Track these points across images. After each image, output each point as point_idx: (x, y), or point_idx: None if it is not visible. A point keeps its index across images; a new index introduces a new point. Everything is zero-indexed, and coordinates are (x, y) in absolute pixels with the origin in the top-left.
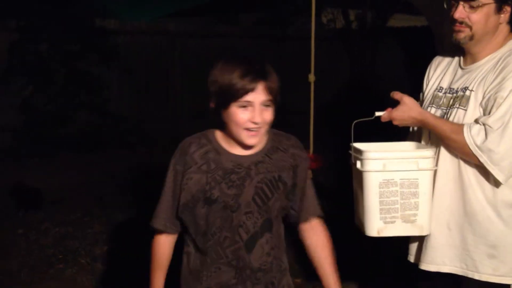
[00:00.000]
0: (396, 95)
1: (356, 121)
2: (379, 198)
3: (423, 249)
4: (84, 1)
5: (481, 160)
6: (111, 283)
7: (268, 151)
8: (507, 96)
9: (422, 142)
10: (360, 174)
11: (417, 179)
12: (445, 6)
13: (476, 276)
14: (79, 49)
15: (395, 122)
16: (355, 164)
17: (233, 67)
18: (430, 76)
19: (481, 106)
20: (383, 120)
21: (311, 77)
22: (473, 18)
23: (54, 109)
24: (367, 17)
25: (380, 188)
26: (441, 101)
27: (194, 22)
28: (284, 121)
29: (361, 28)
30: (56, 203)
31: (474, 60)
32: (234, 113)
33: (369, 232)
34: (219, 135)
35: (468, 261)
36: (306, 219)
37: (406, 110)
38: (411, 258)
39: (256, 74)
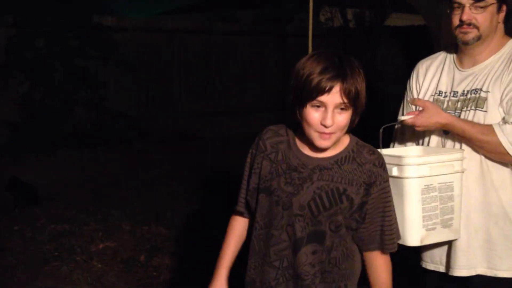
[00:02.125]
0: (419, 102)
1: (383, 126)
2: (422, 205)
3: (452, 254)
4: None
5: None
6: (107, 280)
7: (340, 160)
8: None
9: (424, 145)
10: (398, 181)
11: (452, 182)
12: (448, 10)
13: (506, 274)
14: (77, 45)
15: (418, 128)
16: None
17: (315, 63)
18: (421, 81)
19: (501, 106)
20: (406, 124)
21: None
22: (480, 19)
23: (52, 105)
24: (364, 16)
25: (422, 194)
26: (445, 105)
27: (193, 19)
28: (284, 117)
29: (359, 27)
30: (52, 200)
31: (475, 62)
32: (307, 112)
33: (410, 242)
34: (298, 132)
35: (495, 260)
36: (370, 249)
37: (431, 115)
38: (430, 265)
39: (335, 74)
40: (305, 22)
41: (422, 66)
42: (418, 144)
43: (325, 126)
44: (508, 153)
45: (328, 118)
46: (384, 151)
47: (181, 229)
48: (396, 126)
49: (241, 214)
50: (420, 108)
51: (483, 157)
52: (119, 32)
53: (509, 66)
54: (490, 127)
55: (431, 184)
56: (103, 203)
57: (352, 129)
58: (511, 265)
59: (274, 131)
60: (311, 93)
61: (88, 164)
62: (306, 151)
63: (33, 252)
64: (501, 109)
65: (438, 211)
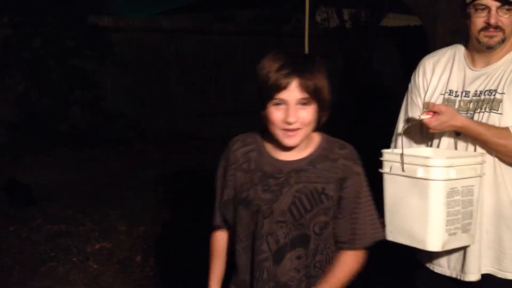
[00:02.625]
0: (434, 107)
1: (405, 126)
2: (447, 208)
3: (466, 258)
4: None
5: None
6: (103, 281)
7: (314, 159)
8: None
9: (434, 147)
10: (423, 183)
11: (473, 186)
12: (468, 11)
13: (510, 276)
14: (74, 45)
15: (432, 130)
16: (403, 170)
17: (271, 62)
18: (428, 78)
19: None
20: (423, 122)
21: None
22: (506, 21)
23: (49, 105)
24: (361, 16)
25: (447, 198)
26: (456, 105)
27: (190, 19)
28: None
29: (355, 27)
30: (49, 200)
31: (488, 62)
32: (270, 112)
33: (431, 247)
34: (265, 137)
35: (505, 262)
36: (339, 245)
37: (447, 119)
38: (437, 269)
39: (291, 69)
40: (301, 22)
41: (429, 62)
42: (426, 145)
43: (289, 123)
44: None
45: (291, 115)
46: (407, 151)
47: (178, 230)
48: (402, 126)
49: (219, 227)
50: (438, 102)
51: (496, 160)
52: (116, 32)
53: None
54: (506, 130)
55: (455, 188)
56: (99, 204)
57: (349, 129)
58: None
59: (241, 141)
60: (270, 91)
61: (86, 164)
62: (279, 156)
63: (30, 252)
64: None
65: (460, 216)
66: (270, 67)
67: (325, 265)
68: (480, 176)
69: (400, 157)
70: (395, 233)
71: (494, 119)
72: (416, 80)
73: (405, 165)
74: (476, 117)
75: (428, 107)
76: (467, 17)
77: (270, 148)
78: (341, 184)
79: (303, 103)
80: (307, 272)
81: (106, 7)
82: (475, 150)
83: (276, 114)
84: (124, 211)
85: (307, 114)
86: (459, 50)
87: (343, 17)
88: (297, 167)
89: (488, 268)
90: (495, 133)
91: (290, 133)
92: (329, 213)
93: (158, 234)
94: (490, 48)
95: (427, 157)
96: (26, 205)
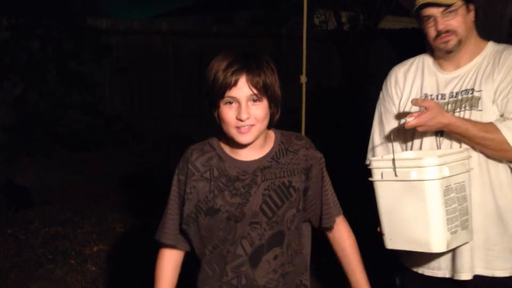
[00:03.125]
0: (424, 102)
1: (393, 128)
2: (445, 207)
3: (458, 257)
4: (77, 1)
5: None
6: (101, 283)
7: (275, 155)
8: None
9: (415, 149)
10: (418, 185)
11: (464, 181)
12: (419, 24)
13: (501, 274)
14: (71, 48)
15: (421, 129)
16: (396, 175)
17: (218, 62)
18: (401, 85)
19: (496, 105)
20: (407, 127)
21: (303, 78)
22: (455, 23)
23: (47, 107)
24: (358, 19)
25: (444, 196)
26: None
27: (188, 21)
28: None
29: (353, 30)
30: (46, 203)
31: (458, 64)
32: (222, 111)
33: (437, 248)
34: (222, 141)
35: (493, 260)
36: (329, 226)
37: (434, 116)
38: (427, 272)
39: (239, 67)
40: (299, 24)
41: (399, 71)
42: (406, 149)
43: (241, 120)
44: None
45: (243, 112)
46: (397, 156)
47: None
48: (377, 132)
49: (173, 247)
50: (413, 109)
51: (481, 157)
52: (114, 34)
53: (498, 65)
54: (492, 125)
55: (449, 185)
56: (97, 206)
57: (345, 132)
58: (507, 264)
59: (199, 150)
60: (220, 90)
61: (83, 167)
62: (240, 157)
63: (27, 255)
64: (495, 107)
65: (458, 213)
66: (218, 66)
67: (294, 259)
68: (469, 172)
69: (392, 162)
70: (395, 240)
71: (475, 115)
72: (389, 89)
73: (397, 170)
74: (458, 115)
75: (417, 104)
76: (422, 30)
77: (229, 151)
78: (307, 173)
79: (254, 99)
80: (283, 271)
81: (104, 9)
82: (460, 147)
83: (228, 113)
84: (122, 214)
85: (259, 110)
86: (426, 58)
87: (341, 19)
88: (261, 165)
89: (479, 269)
90: (482, 128)
91: (244, 130)
92: (297, 205)
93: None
94: (450, 52)
95: (420, 158)
96: (23, 207)
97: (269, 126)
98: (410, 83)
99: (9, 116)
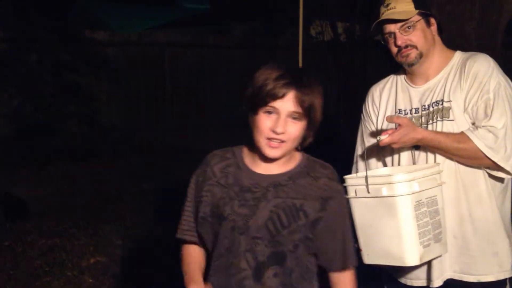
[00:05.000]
0: (397, 119)
1: (368, 146)
2: (417, 221)
3: (433, 265)
4: (75, 13)
5: (495, 159)
6: None
7: (294, 175)
8: (494, 97)
9: (394, 165)
10: (389, 201)
11: (436, 195)
12: (382, 42)
13: (484, 279)
14: (69, 59)
15: (396, 146)
16: (368, 191)
17: (271, 70)
18: (377, 104)
19: (467, 113)
20: (382, 144)
21: None
22: (414, 38)
23: (44, 119)
24: (355, 29)
25: (415, 211)
26: None
27: (184, 33)
28: None
29: (349, 41)
30: (43, 214)
31: (427, 78)
32: (259, 118)
33: (411, 262)
34: (245, 151)
35: (474, 265)
36: (333, 268)
37: (407, 132)
38: (409, 282)
39: (290, 80)
40: (295, 36)
41: (375, 90)
42: (385, 164)
43: (276, 133)
44: (486, 157)
45: (280, 125)
46: (371, 173)
47: (173, 244)
48: (359, 150)
49: (192, 242)
50: (390, 126)
51: (457, 166)
52: (111, 46)
53: (464, 75)
54: (464, 135)
55: (420, 200)
56: (94, 217)
57: (339, 143)
58: (484, 270)
59: (220, 156)
60: (265, 98)
61: (80, 178)
62: (257, 169)
63: (24, 267)
64: (466, 116)
65: (430, 227)
66: (269, 74)
67: (298, 284)
68: (441, 185)
69: (365, 180)
70: (372, 256)
71: (447, 126)
72: (367, 108)
73: (369, 186)
74: (430, 128)
75: (391, 120)
76: (386, 47)
77: (249, 161)
78: (323, 204)
79: (294, 117)
80: None
81: (102, 22)
82: (435, 160)
83: (265, 121)
84: (119, 225)
85: (296, 129)
86: (399, 74)
87: (337, 30)
88: (276, 182)
89: (458, 274)
90: (454, 139)
91: (274, 144)
92: (304, 231)
93: (153, 248)
94: (411, 66)
95: (389, 175)
96: (20, 219)
97: (297, 148)
98: (385, 101)
99: (7, 127)
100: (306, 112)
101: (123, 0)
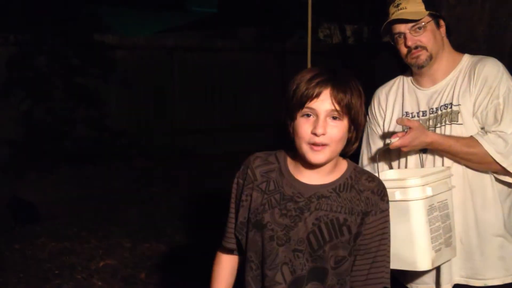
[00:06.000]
0: (408, 122)
1: (379, 149)
2: (429, 226)
3: (442, 269)
4: (83, 16)
5: (504, 165)
6: None
7: (339, 187)
8: (504, 102)
9: (401, 168)
10: (402, 205)
11: (447, 199)
12: (392, 43)
13: (490, 283)
14: (78, 63)
15: (405, 149)
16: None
17: (304, 74)
18: (383, 106)
19: (476, 117)
20: (392, 147)
21: None
22: (424, 39)
23: (53, 123)
24: (363, 32)
25: (428, 215)
26: None
27: (193, 36)
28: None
29: (358, 43)
30: (53, 218)
31: (434, 80)
32: (298, 124)
33: (423, 266)
34: (290, 156)
35: (482, 269)
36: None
37: (418, 135)
38: (414, 286)
39: (323, 79)
40: (304, 39)
41: (381, 92)
42: (392, 167)
43: (316, 135)
44: (495, 161)
45: (319, 126)
46: (381, 176)
47: (182, 247)
48: (365, 153)
49: (231, 251)
50: (397, 129)
51: (465, 170)
52: (120, 50)
53: (473, 79)
54: (473, 139)
55: (433, 204)
56: (103, 221)
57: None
58: (490, 274)
59: (263, 159)
60: (300, 100)
61: (89, 182)
62: (301, 177)
63: (34, 270)
64: (475, 120)
65: (441, 231)
66: (302, 77)
67: None
68: (451, 189)
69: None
70: None
71: (456, 129)
72: (373, 111)
73: None
74: (438, 131)
75: (402, 123)
76: (395, 48)
77: (293, 168)
78: (363, 218)
79: (334, 116)
80: None
81: (111, 26)
82: (442, 164)
83: (304, 126)
84: (128, 228)
85: (337, 129)
86: (406, 77)
87: (346, 33)
88: (319, 192)
89: (464, 278)
90: (464, 143)
91: (317, 148)
92: (348, 247)
93: (162, 251)
94: (421, 67)
95: (403, 179)
96: (30, 222)
97: (344, 154)
98: (392, 103)
99: (16, 131)
100: (345, 110)
101: (132, 5)
